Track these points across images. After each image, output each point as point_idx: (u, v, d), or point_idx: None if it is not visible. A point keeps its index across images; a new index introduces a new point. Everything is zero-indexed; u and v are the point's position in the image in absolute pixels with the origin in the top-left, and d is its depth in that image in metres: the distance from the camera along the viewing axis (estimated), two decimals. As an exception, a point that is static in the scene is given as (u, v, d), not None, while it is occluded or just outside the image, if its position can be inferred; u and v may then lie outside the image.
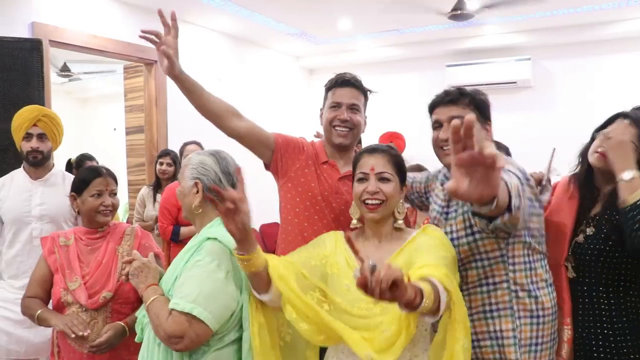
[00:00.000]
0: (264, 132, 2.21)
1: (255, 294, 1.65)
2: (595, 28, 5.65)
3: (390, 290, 1.18)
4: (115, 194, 2.27)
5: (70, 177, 2.94)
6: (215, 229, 1.73)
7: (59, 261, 2.17)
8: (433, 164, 2.12)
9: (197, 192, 1.76)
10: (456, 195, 1.13)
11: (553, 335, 1.86)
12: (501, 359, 1.78)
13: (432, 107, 1.95)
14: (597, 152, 1.98)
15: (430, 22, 5.60)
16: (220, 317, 1.61)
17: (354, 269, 1.42)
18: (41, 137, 2.77)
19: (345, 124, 2.16)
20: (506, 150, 2.70)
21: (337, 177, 2.19)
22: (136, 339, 1.80)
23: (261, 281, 1.60)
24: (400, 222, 1.78)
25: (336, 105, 2.17)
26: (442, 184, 1.99)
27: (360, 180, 1.76)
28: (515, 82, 6.05)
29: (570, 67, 5.98)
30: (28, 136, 2.76)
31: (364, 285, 1.18)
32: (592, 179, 2.05)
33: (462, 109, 1.83)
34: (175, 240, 3.92)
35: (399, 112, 6.73)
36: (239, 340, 1.68)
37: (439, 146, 1.91)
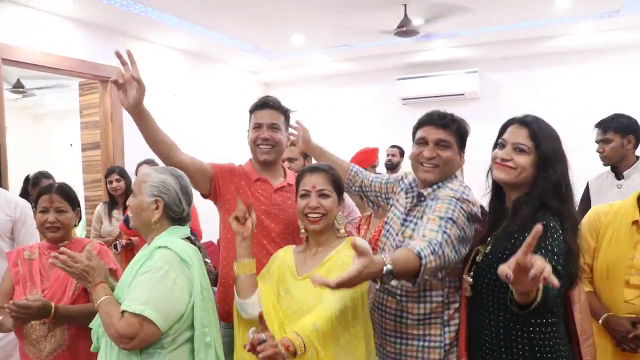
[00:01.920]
0: (202, 162, 2.37)
1: (239, 302, 1.88)
2: (536, 42, 5.97)
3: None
4: (64, 211, 2.26)
5: (5, 193, 2.95)
6: (166, 238, 1.84)
7: (21, 274, 2.22)
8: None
9: (157, 208, 1.86)
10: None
11: None
12: (424, 358, 1.95)
13: (421, 124, 2.03)
14: (495, 162, 1.81)
15: (379, 38, 5.80)
16: (169, 319, 1.71)
17: (250, 329, 1.64)
18: None
19: (267, 142, 2.33)
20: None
21: (272, 190, 2.35)
22: (92, 349, 1.88)
23: (253, 283, 1.89)
24: (342, 231, 1.98)
25: (258, 126, 2.35)
26: (406, 192, 2.11)
27: (303, 196, 1.96)
28: (463, 94, 6.32)
29: (514, 79, 6.29)
30: None
31: (252, 350, 1.55)
32: (502, 198, 1.86)
33: (449, 134, 1.99)
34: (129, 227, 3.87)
35: (354, 123, 6.91)
36: (191, 340, 1.79)
37: (419, 162, 2.01)
